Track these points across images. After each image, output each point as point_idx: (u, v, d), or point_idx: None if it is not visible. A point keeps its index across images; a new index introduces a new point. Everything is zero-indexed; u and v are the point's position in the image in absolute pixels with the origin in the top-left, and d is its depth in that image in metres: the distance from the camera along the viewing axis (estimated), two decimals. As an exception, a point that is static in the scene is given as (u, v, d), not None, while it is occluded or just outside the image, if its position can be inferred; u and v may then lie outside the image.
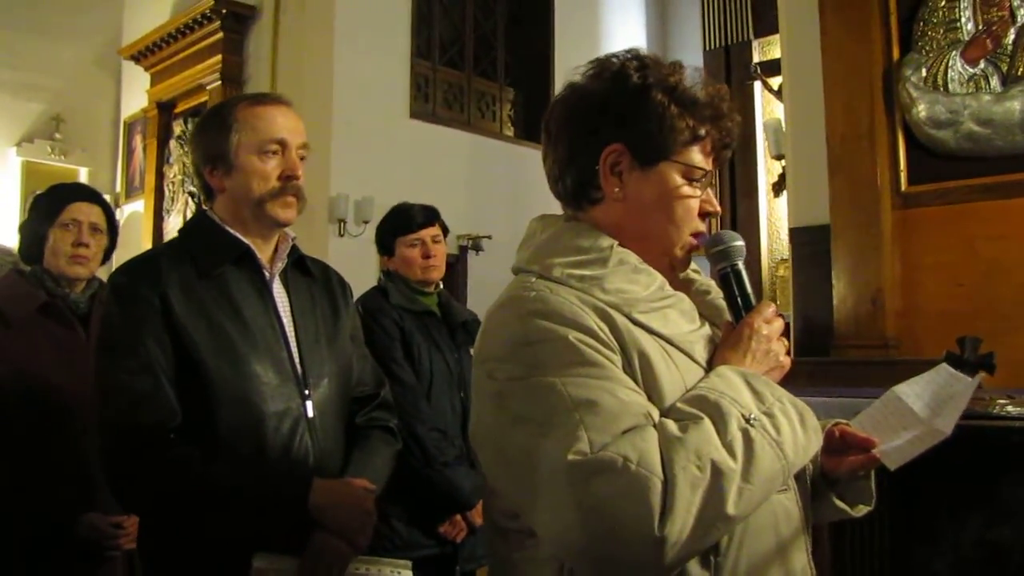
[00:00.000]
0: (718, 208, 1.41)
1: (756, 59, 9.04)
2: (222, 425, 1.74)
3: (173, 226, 8.38)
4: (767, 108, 8.89)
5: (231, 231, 1.89)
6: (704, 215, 1.38)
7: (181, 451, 1.71)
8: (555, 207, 1.48)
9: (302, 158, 1.92)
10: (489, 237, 7.95)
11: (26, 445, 2.34)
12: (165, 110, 9.02)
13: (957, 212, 3.92)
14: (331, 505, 1.75)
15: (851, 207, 4.04)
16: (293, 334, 1.89)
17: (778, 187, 8.35)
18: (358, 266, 5.65)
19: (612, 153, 1.34)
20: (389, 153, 7.91)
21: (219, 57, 8.19)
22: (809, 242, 4.35)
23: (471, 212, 7.94)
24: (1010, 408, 2.36)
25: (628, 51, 1.39)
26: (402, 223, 3.06)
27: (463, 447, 2.89)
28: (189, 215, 8.50)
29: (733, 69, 9.29)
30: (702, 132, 1.35)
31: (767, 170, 8.64)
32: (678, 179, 1.34)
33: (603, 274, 1.29)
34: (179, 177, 8.69)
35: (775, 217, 8.48)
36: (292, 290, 1.94)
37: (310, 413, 1.84)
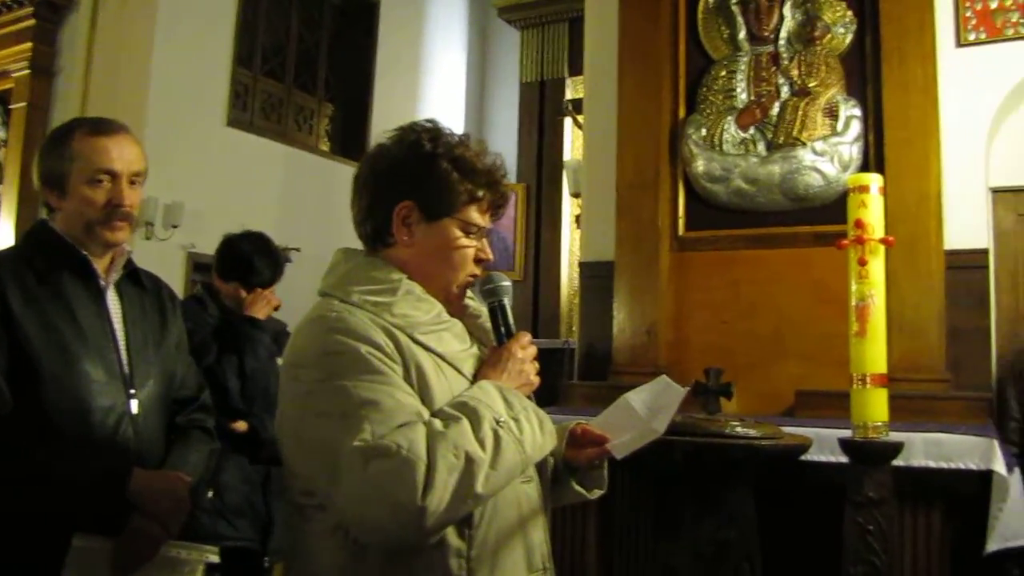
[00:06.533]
0: (491, 256, 1.74)
1: (569, 96, 9.48)
2: (52, 416, 1.92)
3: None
4: (576, 144, 9.37)
5: (70, 242, 2.07)
6: (479, 261, 1.71)
7: (10, 436, 1.87)
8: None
9: (133, 183, 2.11)
10: (298, 250, 7.95)
11: None
12: (-37, 93, 8.65)
13: (725, 257, 4.36)
14: (149, 492, 1.95)
15: (633, 247, 4.42)
16: (123, 339, 2.09)
17: (580, 220, 8.82)
18: (163, 270, 5.63)
19: (404, 208, 1.65)
20: (203, 159, 7.81)
21: (29, 45, 7.97)
22: (596, 276, 4.71)
23: (282, 223, 7.83)
24: (739, 429, 2.82)
25: (428, 121, 1.72)
26: (246, 276, 3.21)
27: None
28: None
29: (547, 103, 9.69)
30: (479, 194, 1.68)
31: (572, 203, 9.05)
32: (457, 232, 1.67)
33: (392, 301, 1.60)
34: (-25, 164, 8.35)
35: (576, 247, 8.86)
36: (125, 299, 2.14)
37: (134, 410, 2.05)
